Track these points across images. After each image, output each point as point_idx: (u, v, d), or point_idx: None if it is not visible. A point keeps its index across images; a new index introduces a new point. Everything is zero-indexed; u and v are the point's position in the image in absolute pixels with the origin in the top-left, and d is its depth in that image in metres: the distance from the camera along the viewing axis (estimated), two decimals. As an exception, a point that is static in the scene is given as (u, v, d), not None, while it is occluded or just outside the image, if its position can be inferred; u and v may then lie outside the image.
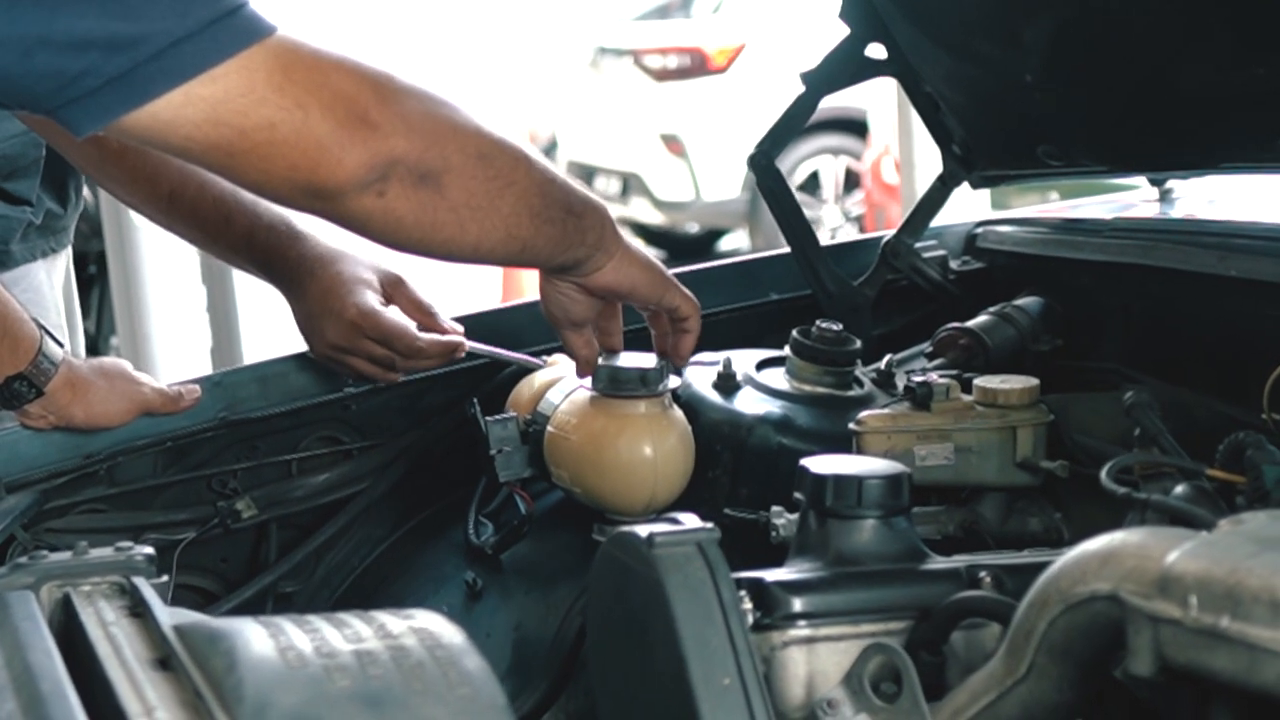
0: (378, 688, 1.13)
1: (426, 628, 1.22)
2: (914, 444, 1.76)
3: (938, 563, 1.40)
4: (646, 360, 1.81)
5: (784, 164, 2.20)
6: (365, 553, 2.07)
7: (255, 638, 1.18)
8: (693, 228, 10.75)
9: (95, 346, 4.96)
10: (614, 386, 1.79)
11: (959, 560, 1.40)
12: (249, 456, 2.00)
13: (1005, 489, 1.78)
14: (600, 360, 1.80)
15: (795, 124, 2.16)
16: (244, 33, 1.37)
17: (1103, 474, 1.39)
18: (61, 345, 1.86)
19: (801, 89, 2.16)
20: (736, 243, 10.62)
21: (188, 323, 4.04)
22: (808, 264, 2.18)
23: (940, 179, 2.23)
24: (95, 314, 5.03)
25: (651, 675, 1.30)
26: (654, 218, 10.32)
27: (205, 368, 3.96)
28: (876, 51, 2.17)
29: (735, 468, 1.83)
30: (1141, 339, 2.00)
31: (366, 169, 1.42)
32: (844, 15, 2.14)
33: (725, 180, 9.86)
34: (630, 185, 10.36)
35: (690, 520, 1.33)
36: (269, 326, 4.00)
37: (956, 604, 1.31)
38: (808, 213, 8.25)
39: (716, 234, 10.89)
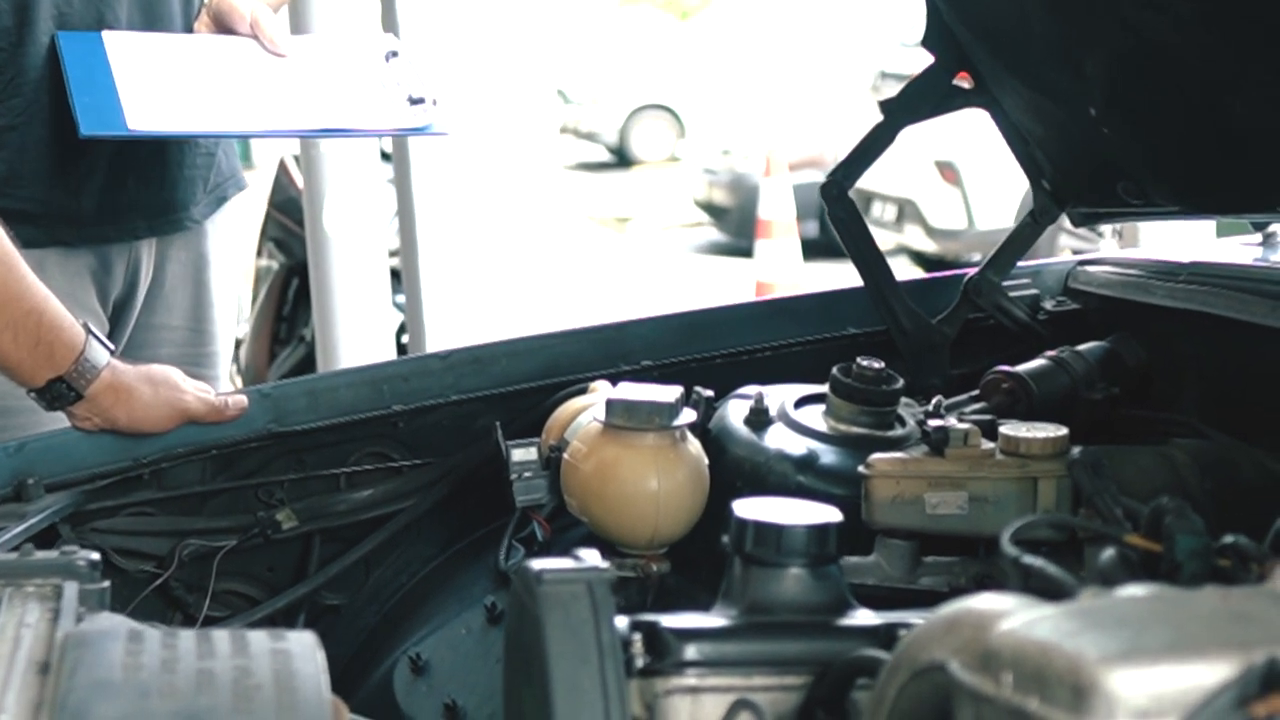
0: (203, 706, 1.13)
1: (287, 650, 1.22)
2: (925, 490, 1.69)
3: (858, 618, 1.33)
4: (661, 393, 1.78)
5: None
6: (415, 570, 2.08)
7: (110, 648, 1.20)
8: (974, 256, 10.55)
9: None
10: (623, 417, 1.76)
11: (882, 616, 1.33)
12: (296, 469, 2.03)
13: (1025, 543, 1.69)
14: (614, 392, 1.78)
15: (871, 154, 2.10)
16: None
17: (1003, 537, 1.31)
18: (112, 350, 1.92)
19: (880, 118, 2.10)
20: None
21: (375, 318, 4.15)
22: (882, 300, 2.11)
23: (1031, 215, 2.14)
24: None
25: (532, 713, 1.28)
26: (927, 245, 10.17)
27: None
28: (964, 82, 2.09)
29: (753, 506, 1.78)
30: (1213, 390, 1.87)
31: None
32: (926, 43, 2.07)
33: (999, 209, 9.65)
34: (905, 212, 10.24)
35: (590, 558, 1.30)
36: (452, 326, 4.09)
37: (848, 663, 1.25)
38: (1088, 247, 7.83)
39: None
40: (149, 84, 2.08)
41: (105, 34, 2.11)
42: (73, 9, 2.11)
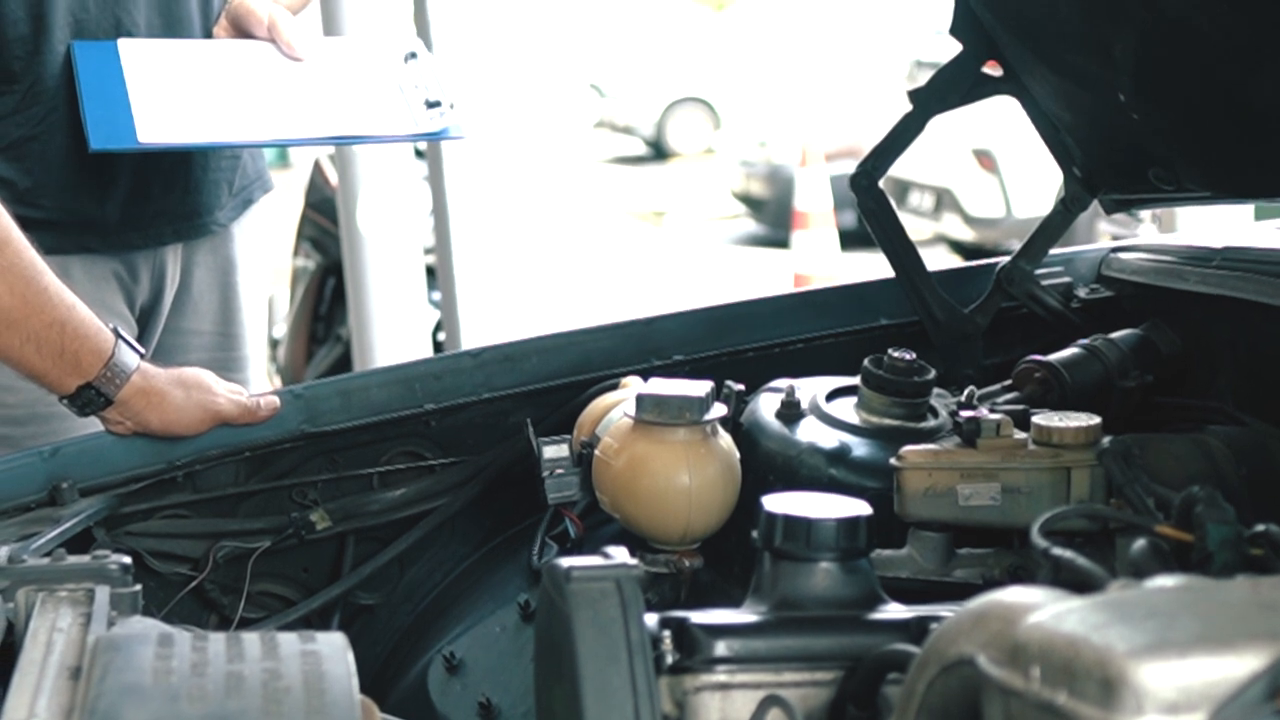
0: (233, 709, 1.13)
1: (317, 652, 1.22)
2: (957, 482, 1.68)
3: (889, 612, 1.32)
4: (692, 388, 1.77)
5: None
6: (449, 569, 2.08)
7: (141, 652, 1.20)
8: (1012, 244, 10.50)
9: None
10: (654, 413, 1.75)
11: (913, 610, 1.32)
12: (329, 469, 2.03)
13: (1059, 534, 1.67)
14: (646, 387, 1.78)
15: (900, 144, 2.08)
16: None
17: (1033, 529, 1.29)
18: (142, 354, 1.92)
19: (909, 107, 2.08)
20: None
21: (411, 317, 4.16)
22: (914, 290, 2.10)
23: (1063, 202, 2.12)
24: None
25: (562, 711, 1.27)
26: (965, 234, 10.14)
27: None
28: (993, 70, 2.07)
29: (785, 500, 1.77)
30: (1248, 376, 1.85)
31: None
32: (954, 32, 2.05)
33: (1037, 197, 9.59)
34: (942, 201, 10.21)
35: (619, 555, 1.30)
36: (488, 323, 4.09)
37: (878, 658, 1.24)
38: (1126, 233, 7.74)
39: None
40: (163, 94, 2.07)
41: (121, 42, 2.10)
42: (89, 15, 2.10)
